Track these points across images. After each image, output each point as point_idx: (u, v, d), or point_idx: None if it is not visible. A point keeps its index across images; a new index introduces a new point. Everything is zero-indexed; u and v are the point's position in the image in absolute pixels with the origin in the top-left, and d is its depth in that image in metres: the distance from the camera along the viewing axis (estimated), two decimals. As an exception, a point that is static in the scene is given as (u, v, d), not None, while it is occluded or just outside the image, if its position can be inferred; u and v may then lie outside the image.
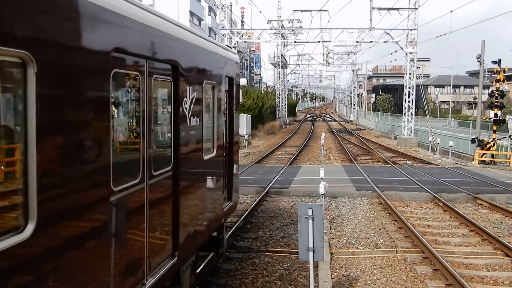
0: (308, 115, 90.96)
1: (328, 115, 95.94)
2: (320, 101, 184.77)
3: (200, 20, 55.48)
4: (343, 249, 9.18)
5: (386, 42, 34.75)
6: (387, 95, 70.69)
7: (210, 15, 60.33)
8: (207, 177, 5.94)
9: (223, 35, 35.69)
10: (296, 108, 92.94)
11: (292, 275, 7.76)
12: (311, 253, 5.87)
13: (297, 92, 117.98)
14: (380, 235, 10.08)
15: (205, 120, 5.90)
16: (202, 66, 5.77)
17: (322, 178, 11.69)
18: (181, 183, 4.84)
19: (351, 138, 38.51)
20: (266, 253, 8.81)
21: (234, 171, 7.62)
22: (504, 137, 23.68)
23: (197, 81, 5.45)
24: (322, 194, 10.79)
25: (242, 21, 52.87)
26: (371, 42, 35.80)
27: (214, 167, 6.28)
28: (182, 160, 4.91)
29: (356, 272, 8.02)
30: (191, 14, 50.48)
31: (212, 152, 6.22)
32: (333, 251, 9.00)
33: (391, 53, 41.04)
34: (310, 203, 6.27)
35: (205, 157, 5.81)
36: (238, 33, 38.00)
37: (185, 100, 4.97)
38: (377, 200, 13.57)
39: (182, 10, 44.95)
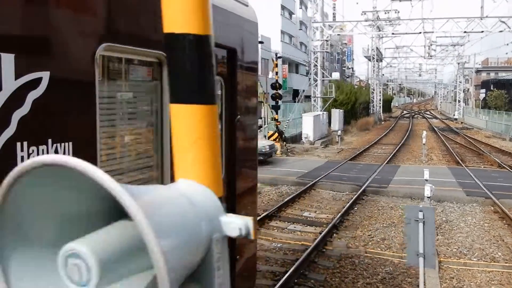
0: (405, 112, 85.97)
1: (428, 112, 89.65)
2: (419, 96, 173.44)
3: (291, 13, 55.31)
4: (453, 259, 8.30)
5: (501, 31, 31.10)
6: (500, 91, 63.55)
7: (301, 8, 59.82)
8: None
9: (315, 28, 35.08)
10: (391, 103, 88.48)
11: (395, 280, 7.20)
12: (421, 259, 5.34)
13: (392, 87, 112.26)
14: (498, 247, 8.92)
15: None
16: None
17: (426, 180, 10.81)
18: None
19: (457, 138, 35.30)
20: (366, 254, 8.39)
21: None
22: None
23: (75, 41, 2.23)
24: (428, 197, 9.89)
25: (334, 14, 51.47)
26: (482, 32, 32.32)
27: None
28: None
29: (470, 285, 7.16)
30: (282, 8, 50.50)
31: None
32: (441, 259, 8.19)
33: (507, 44, 36.71)
34: (420, 206, 5.67)
35: None
36: (330, 26, 37.01)
37: None
38: (492, 208, 12.11)
39: (273, 3, 45.22)
